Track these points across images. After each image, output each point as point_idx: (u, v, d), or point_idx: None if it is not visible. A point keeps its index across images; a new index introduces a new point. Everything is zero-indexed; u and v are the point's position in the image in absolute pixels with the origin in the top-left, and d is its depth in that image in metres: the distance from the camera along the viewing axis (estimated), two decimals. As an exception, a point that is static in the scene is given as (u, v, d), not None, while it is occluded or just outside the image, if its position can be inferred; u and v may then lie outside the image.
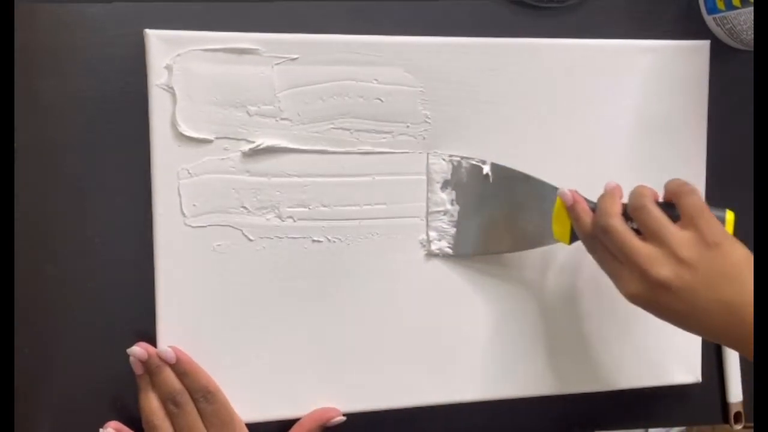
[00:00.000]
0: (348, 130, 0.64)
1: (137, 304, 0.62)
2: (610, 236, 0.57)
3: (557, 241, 0.64)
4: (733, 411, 0.76)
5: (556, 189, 0.63)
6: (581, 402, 0.72)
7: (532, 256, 0.69)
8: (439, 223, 0.67)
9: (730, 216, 0.59)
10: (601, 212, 0.59)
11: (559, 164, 0.69)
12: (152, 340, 0.62)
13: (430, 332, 0.68)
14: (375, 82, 0.64)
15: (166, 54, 0.60)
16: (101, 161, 0.62)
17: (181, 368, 0.61)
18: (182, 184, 0.62)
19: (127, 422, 0.62)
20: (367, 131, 0.65)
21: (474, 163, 0.66)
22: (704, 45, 0.71)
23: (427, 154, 0.66)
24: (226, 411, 0.62)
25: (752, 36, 0.70)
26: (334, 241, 0.65)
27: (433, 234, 0.67)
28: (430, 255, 0.67)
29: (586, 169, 0.69)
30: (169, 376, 0.61)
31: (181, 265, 0.62)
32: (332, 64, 0.63)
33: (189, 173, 0.62)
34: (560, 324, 0.70)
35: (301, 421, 0.65)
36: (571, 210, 0.62)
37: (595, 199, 0.62)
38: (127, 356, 0.61)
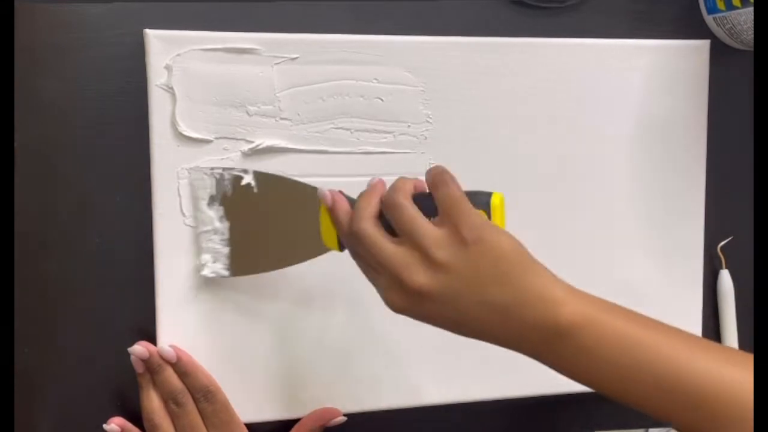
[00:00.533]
0: (348, 130, 0.64)
1: (137, 304, 0.62)
2: (359, 242, 0.50)
3: (329, 249, 0.57)
4: (733, 411, 0.76)
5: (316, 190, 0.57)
6: (581, 402, 0.72)
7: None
8: (210, 244, 0.62)
9: (496, 199, 0.51)
10: (354, 215, 0.51)
11: (559, 164, 0.69)
12: (152, 340, 0.62)
13: (430, 332, 0.68)
14: (375, 81, 0.64)
15: (165, 54, 0.60)
16: (101, 161, 0.62)
17: (181, 367, 0.61)
18: (182, 184, 0.62)
19: (127, 421, 0.62)
20: (368, 131, 0.65)
21: (235, 173, 0.61)
22: (704, 45, 0.71)
23: (188, 170, 0.61)
24: (226, 411, 0.62)
25: (752, 36, 0.70)
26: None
27: (206, 257, 0.62)
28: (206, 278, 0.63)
29: (586, 168, 0.70)
30: (170, 376, 0.61)
31: (181, 265, 0.62)
32: (332, 63, 0.63)
33: (189, 173, 0.62)
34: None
35: (301, 421, 0.65)
36: (331, 213, 0.54)
37: None
38: (128, 355, 0.61)
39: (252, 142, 0.62)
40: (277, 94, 0.63)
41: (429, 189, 0.51)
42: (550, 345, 0.47)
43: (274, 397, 0.65)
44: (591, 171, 0.70)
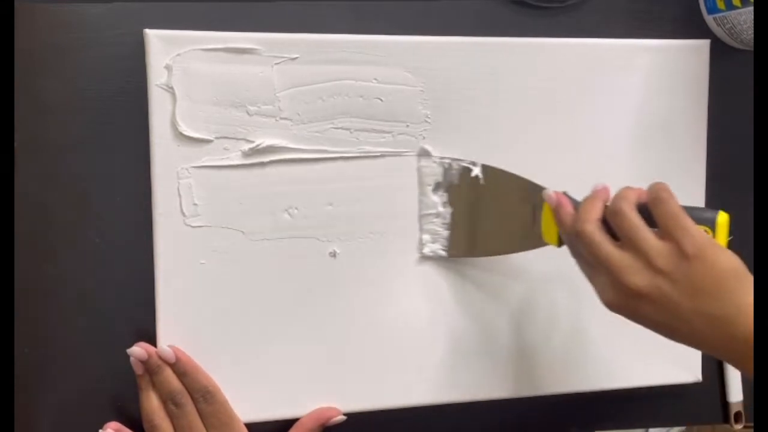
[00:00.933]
0: (348, 129, 0.64)
1: (137, 304, 0.62)
2: (583, 242, 0.55)
3: (547, 243, 0.62)
4: (733, 411, 0.76)
5: (544, 189, 0.61)
6: (581, 402, 0.72)
7: (531, 254, 0.69)
8: (431, 226, 0.66)
9: (722, 218, 0.54)
10: (578, 217, 0.56)
11: (560, 164, 0.69)
12: (152, 339, 0.62)
13: (430, 332, 0.68)
14: (375, 81, 0.64)
15: (165, 54, 0.60)
16: (101, 161, 0.62)
17: (180, 368, 0.61)
18: (182, 184, 0.62)
19: (127, 421, 0.62)
20: (367, 131, 0.65)
21: (465, 165, 0.65)
22: (704, 44, 0.71)
23: (418, 156, 0.65)
24: (226, 411, 0.62)
25: (752, 36, 0.70)
26: (334, 242, 0.65)
27: (426, 237, 0.66)
28: (424, 257, 0.66)
29: (586, 168, 0.69)
30: (170, 376, 0.61)
31: (181, 265, 0.62)
32: (332, 63, 0.63)
33: (189, 173, 0.62)
34: (559, 323, 0.70)
35: (301, 420, 0.65)
36: (555, 212, 0.59)
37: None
38: (127, 356, 0.61)
39: (252, 141, 0.62)
40: (277, 94, 0.63)
41: (649, 204, 0.54)
42: None
43: (273, 397, 0.65)
44: (591, 171, 0.70)
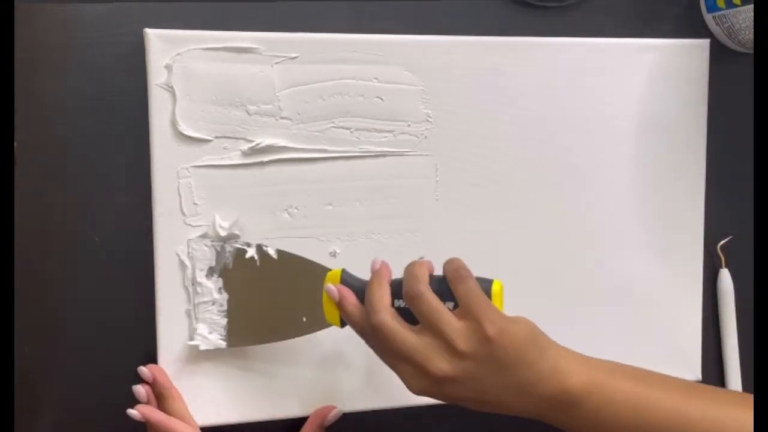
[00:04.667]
0: (348, 129, 0.64)
1: (137, 303, 0.62)
2: (381, 334, 0.53)
3: (330, 324, 0.59)
4: (733, 410, 0.76)
5: (324, 270, 0.59)
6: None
7: (534, 251, 0.69)
8: (207, 315, 0.62)
9: (497, 287, 0.54)
10: (368, 306, 0.54)
11: (559, 163, 0.69)
12: (152, 339, 0.62)
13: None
14: (375, 80, 0.64)
15: (165, 53, 0.60)
16: (101, 161, 0.62)
17: (157, 390, 0.62)
18: (182, 184, 0.62)
19: (126, 421, 0.62)
20: (368, 130, 0.65)
21: (238, 246, 0.62)
22: (704, 44, 0.71)
23: (187, 241, 0.62)
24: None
25: (750, 36, 0.70)
26: (334, 242, 0.65)
27: (202, 327, 0.62)
28: (200, 350, 0.62)
29: (586, 168, 0.70)
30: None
31: (181, 265, 0.62)
32: (332, 63, 0.63)
33: (189, 172, 0.62)
34: (560, 324, 0.70)
35: (302, 429, 0.65)
36: (339, 305, 0.57)
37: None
38: (127, 356, 0.61)
39: (252, 141, 0.62)
40: (277, 94, 0.63)
41: (449, 283, 0.54)
42: (567, 413, 0.52)
43: (273, 397, 0.65)
44: (591, 170, 0.70)
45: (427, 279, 0.54)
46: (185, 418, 0.62)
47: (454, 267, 0.54)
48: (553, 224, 0.70)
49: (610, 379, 0.52)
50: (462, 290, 0.53)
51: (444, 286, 0.54)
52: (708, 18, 0.72)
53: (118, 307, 0.63)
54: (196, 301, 0.62)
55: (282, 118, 0.63)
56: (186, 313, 0.63)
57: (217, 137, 0.62)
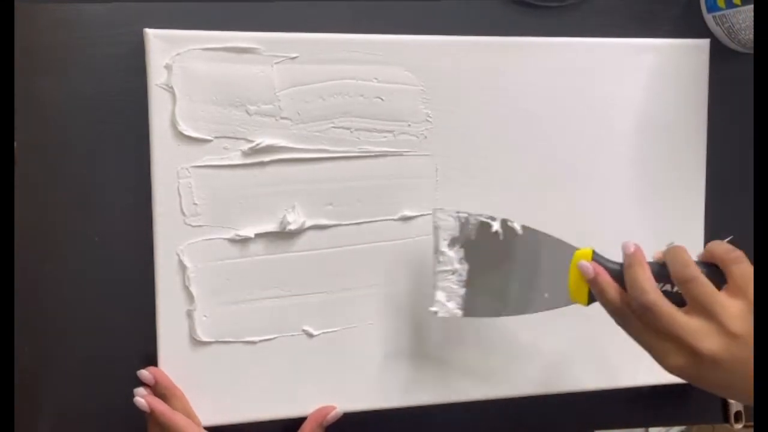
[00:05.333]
0: (348, 129, 0.64)
1: (137, 303, 0.62)
2: (652, 314, 0.53)
3: (574, 302, 0.60)
4: (733, 410, 0.76)
5: (571, 248, 0.59)
6: (581, 402, 0.72)
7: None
8: (447, 283, 0.62)
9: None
10: (635, 289, 0.55)
11: (559, 163, 0.69)
12: (152, 339, 0.62)
13: (430, 332, 0.68)
14: (375, 81, 0.64)
15: (165, 53, 0.60)
16: (101, 161, 0.62)
17: (160, 391, 0.62)
18: (182, 184, 0.62)
19: (126, 421, 0.62)
20: (368, 130, 0.65)
21: (483, 219, 0.61)
22: (704, 44, 0.71)
23: (434, 210, 0.62)
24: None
25: (750, 36, 0.70)
26: (335, 239, 0.65)
27: (441, 295, 0.62)
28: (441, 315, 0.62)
29: (586, 168, 0.70)
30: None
31: (181, 265, 0.62)
32: (332, 63, 0.63)
33: (189, 172, 0.62)
34: (559, 324, 0.70)
35: (301, 427, 0.65)
36: (592, 284, 0.57)
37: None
38: (127, 356, 0.61)
39: (252, 141, 0.62)
40: (277, 94, 0.63)
41: (720, 264, 0.54)
42: None
43: (273, 397, 0.65)
44: (591, 170, 0.70)
45: (694, 263, 0.54)
46: (190, 416, 0.62)
47: (725, 248, 0.55)
48: (553, 224, 0.69)
49: None
50: (737, 271, 0.53)
51: (708, 272, 0.54)
52: (708, 18, 0.72)
53: (118, 307, 0.63)
54: (436, 269, 0.62)
55: (282, 118, 0.63)
56: (186, 313, 0.63)
57: (217, 137, 0.62)
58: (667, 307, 0.53)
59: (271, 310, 0.64)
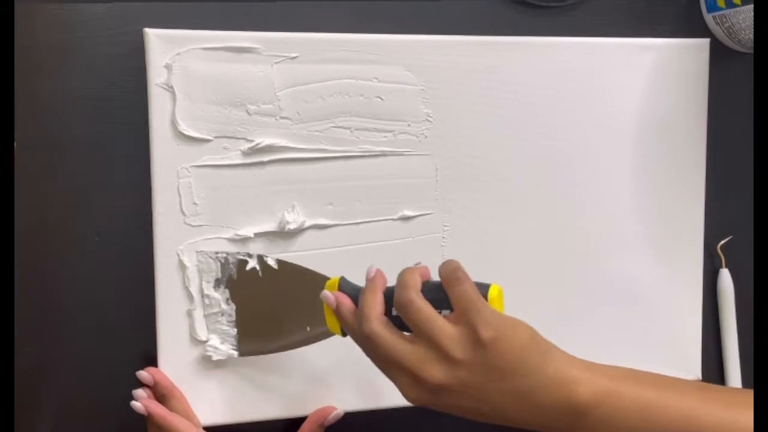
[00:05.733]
0: (348, 129, 0.64)
1: (137, 303, 0.62)
2: (373, 344, 0.51)
3: (333, 333, 0.58)
4: (733, 410, 0.76)
5: (323, 279, 0.58)
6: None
7: (531, 254, 0.69)
8: (218, 326, 0.63)
9: (494, 291, 0.52)
10: (360, 315, 0.53)
11: (559, 162, 0.69)
12: (152, 339, 0.62)
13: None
14: (375, 80, 0.64)
15: (165, 53, 0.60)
16: (101, 161, 0.62)
17: (160, 391, 0.62)
18: (182, 183, 0.62)
19: (127, 421, 0.62)
20: (368, 130, 0.65)
21: (240, 257, 0.62)
22: (704, 43, 0.71)
23: (195, 252, 0.62)
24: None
25: (750, 36, 0.70)
26: (335, 239, 0.65)
27: (214, 338, 0.63)
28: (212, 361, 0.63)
29: (586, 168, 0.70)
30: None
31: (181, 265, 0.62)
32: (332, 62, 0.63)
33: (189, 172, 0.62)
34: (559, 324, 0.70)
35: (301, 427, 0.65)
36: (336, 313, 0.55)
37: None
38: (127, 356, 0.61)
39: (252, 141, 0.62)
40: (277, 93, 0.63)
41: (444, 285, 0.51)
42: (573, 424, 0.49)
43: (273, 397, 0.65)
44: (591, 170, 0.70)
45: (418, 286, 0.52)
46: (189, 417, 0.62)
47: (450, 269, 0.52)
48: (552, 224, 0.70)
49: (618, 386, 0.49)
50: (457, 292, 0.50)
51: (440, 294, 0.51)
52: (708, 18, 0.72)
53: (118, 307, 0.63)
54: (205, 313, 0.63)
55: (282, 117, 0.63)
56: (186, 313, 0.63)
57: (217, 137, 0.62)
58: (387, 336, 0.51)
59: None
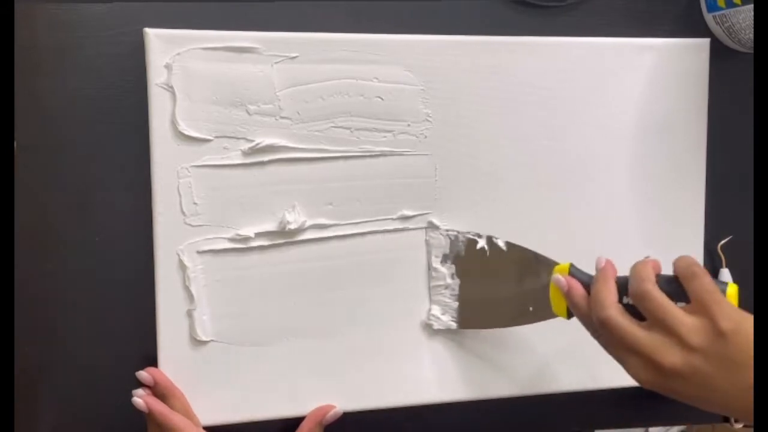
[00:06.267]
0: (348, 128, 0.64)
1: (137, 303, 0.62)
2: (609, 329, 0.54)
3: (556, 315, 0.61)
4: (733, 410, 0.76)
5: (552, 263, 0.61)
6: (581, 401, 0.72)
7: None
8: (441, 297, 0.67)
9: (732, 289, 0.54)
10: (595, 303, 0.55)
11: (559, 162, 0.69)
12: (152, 339, 0.62)
13: (429, 331, 0.68)
14: (375, 80, 0.64)
15: (165, 53, 0.60)
16: (101, 161, 0.62)
17: (160, 391, 0.62)
18: (182, 183, 0.62)
19: (126, 421, 0.62)
20: (368, 130, 0.65)
21: (470, 237, 0.65)
22: (704, 43, 0.71)
23: (425, 229, 0.66)
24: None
25: (750, 35, 0.70)
26: (335, 240, 0.65)
27: (436, 309, 0.67)
28: (436, 331, 0.67)
29: (586, 168, 0.70)
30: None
31: (181, 264, 0.62)
32: (332, 62, 0.63)
33: (189, 172, 0.62)
34: (558, 322, 0.70)
35: (300, 426, 0.65)
36: (567, 297, 0.58)
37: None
38: (127, 356, 0.61)
39: (252, 141, 0.62)
40: (277, 93, 0.63)
41: (681, 281, 0.53)
42: None
43: (273, 396, 0.65)
44: (591, 170, 0.70)
45: (653, 278, 0.54)
46: (189, 416, 0.62)
47: (686, 263, 0.54)
48: (552, 224, 0.70)
49: None
50: (696, 285, 0.52)
51: (673, 287, 0.53)
52: (708, 18, 0.72)
53: (118, 307, 0.63)
54: (431, 285, 0.67)
55: (282, 117, 0.63)
56: (186, 313, 0.63)
57: (217, 137, 0.62)
58: (624, 322, 0.53)
59: (270, 309, 0.64)
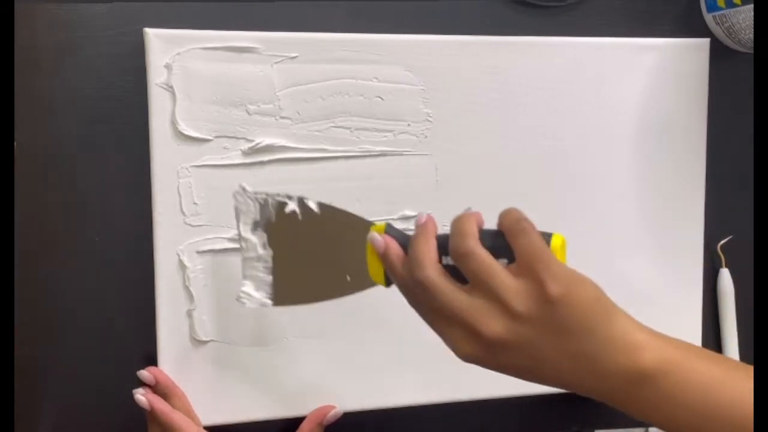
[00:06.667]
0: (348, 128, 0.64)
1: (137, 303, 0.62)
2: (427, 292, 0.47)
3: (375, 283, 0.53)
4: (733, 410, 0.76)
5: (368, 224, 0.53)
6: (581, 402, 0.72)
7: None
8: (253, 272, 0.58)
9: (557, 241, 0.48)
10: (413, 261, 0.48)
11: (560, 162, 0.69)
12: (152, 339, 0.62)
13: (429, 330, 0.68)
14: (375, 80, 0.64)
15: (165, 53, 0.60)
16: (101, 161, 0.62)
17: (161, 390, 0.62)
18: (182, 183, 0.62)
19: (126, 421, 0.62)
20: (368, 130, 0.65)
21: (280, 199, 0.57)
22: (704, 43, 0.71)
23: (233, 192, 0.57)
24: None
25: (750, 35, 0.70)
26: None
27: (248, 285, 0.58)
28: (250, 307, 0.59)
29: (586, 168, 0.70)
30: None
31: (181, 264, 0.62)
32: (332, 62, 0.63)
33: (189, 172, 0.62)
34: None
35: (300, 426, 0.65)
36: (383, 258, 0.50)
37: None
38: (127, 356, 0.61)
39: (252, 140, 0.62)
40: (277, 93, 0.63)
41: (507, 237, 0.47)
42: (634, 391, 0.45)
43: (273, 397, 0.65)
44: (591, 170, 0.70)
45: (476, 234, 0.47)
46: (190, 415, 0.62)
47: (513, 218, 0.47)
48: (552, 224, 0.69)
49: (686, 358, 0.45)
50: (523, 243, 0.46)
51: (498, 242, 0.47)
52: (708, 18, 0.72)
53: (118, 307, 0.63)
54: (242, 257, 0.58)
55: (282, 117, 0.63)
56: (186, 313, 0.63)
57: (217, 137, 0.62)
58: (443, 285, 0.46)
59: (270, 309, 0.64)
